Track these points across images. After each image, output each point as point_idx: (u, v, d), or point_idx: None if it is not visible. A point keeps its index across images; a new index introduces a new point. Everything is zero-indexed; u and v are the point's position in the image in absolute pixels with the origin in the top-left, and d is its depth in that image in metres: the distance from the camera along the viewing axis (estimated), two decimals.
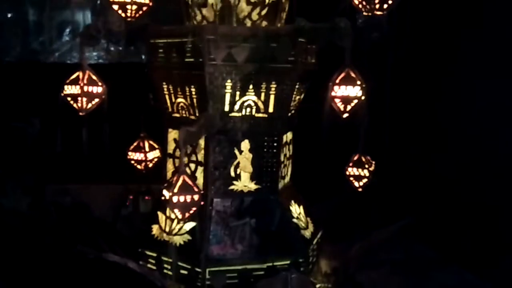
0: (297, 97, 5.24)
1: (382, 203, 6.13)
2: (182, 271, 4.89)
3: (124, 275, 4.74)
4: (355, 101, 4.56)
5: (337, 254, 5.56)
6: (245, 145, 5.01)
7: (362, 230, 5.56)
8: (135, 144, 5.63)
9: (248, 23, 5.02)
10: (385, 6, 4.43)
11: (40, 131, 6.85)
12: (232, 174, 5.03)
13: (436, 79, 6.69)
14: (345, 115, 4.60)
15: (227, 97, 4.80)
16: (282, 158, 5.20)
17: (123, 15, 4.35)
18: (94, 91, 4.80)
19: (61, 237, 5.10)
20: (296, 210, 5.33)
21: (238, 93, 4.81)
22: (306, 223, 5.37)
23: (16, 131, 6.68)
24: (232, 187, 5.05)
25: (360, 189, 5.37)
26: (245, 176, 5.06)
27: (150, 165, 5.61)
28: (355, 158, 5.32)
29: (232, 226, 4.97)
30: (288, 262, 4.97)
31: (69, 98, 4.78)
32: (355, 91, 4.55)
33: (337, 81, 4.52)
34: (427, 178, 6.62)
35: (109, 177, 5.51)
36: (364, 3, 4.45)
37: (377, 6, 4.42)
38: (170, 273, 4.91)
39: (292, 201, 5.35)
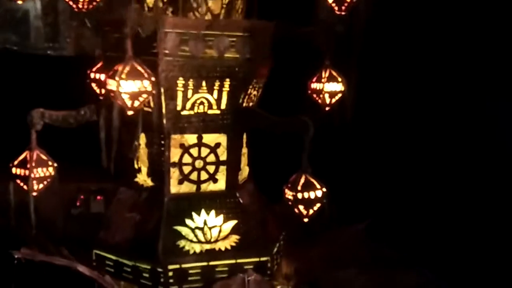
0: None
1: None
2: None
3: (73, 279, 5.25)
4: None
5: (299, 255, 5.88)
6: (143, 139, 5.24)
7: (323, 230, 5.95)
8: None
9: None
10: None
11: None
12: (136, 166, 5.35)
13: None
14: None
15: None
16: (181, 160, 5.26)
17: (74, 6, 4.86)
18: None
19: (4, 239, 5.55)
20: (207, 221, 5.19)
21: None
22: (209, 238, 5.21)
23: None
24: (136, 179, 5.41)
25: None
26: (144, 171, 5.37)
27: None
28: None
29: (123, 217, 5.36)
30: (147, 266, 5.13)
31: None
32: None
33: None
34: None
35: (58, 174, 5.39)
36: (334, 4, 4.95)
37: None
38: (129, 276, 5.34)
39: (206, 211, 5.27)
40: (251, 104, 5.53)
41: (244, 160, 5.64)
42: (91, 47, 5.31)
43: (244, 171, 5.67)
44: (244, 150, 5.63)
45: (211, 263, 5.22)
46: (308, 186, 4.96)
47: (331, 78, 5.65)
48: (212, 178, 5.38)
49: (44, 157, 5.25)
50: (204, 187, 5.37)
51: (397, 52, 6.87)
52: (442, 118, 6.99)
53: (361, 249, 6.00)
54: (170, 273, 5.11)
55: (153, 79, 4.56)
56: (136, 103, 4.56)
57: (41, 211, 5.68)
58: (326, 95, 5.67)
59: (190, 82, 5.08)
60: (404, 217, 6.74)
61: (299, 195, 4.93)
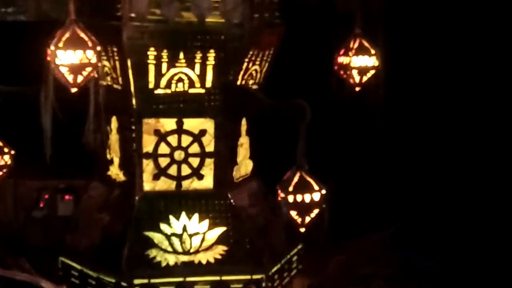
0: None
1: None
2: None
3: None
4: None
5: (313, 269, 4.95)
6: (114, 123, 4.42)
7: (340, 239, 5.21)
8: None
9: None
10: None
11: None
12: (108, 156, 4.52)
13: None
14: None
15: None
16: (156, 149, 4.32)
17: None
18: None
19: None
20: (187, 227, 4.25)
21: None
22: (188, 247, 4.26)
23: None
24: (109, 172, 4.58)
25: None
26: (116, 162, 4.53)
27: None
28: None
29: (91, 218, 4.53)
30: (112, 280, 4.27)
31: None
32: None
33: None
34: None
35: (18, 169, 4.68)
36: None
37: None
38: None
39: (188, 214, 4.31)
40: (251, 82, 4.54)
41: (243, 152, 4.66)
42: (55, 11, 4.46)
43: (244, 166, 4.68)
44: (244, 140, 4.63)
45: (189, 278, 4.28)
46: (303, 187, 3.92)
47: (361, 50, 4.62)
48: (196, 173, 4.41)
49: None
50: (187, 184, 4.41)
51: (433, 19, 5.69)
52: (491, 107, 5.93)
53: (387, 260, 5.26)
54: None
55: (98, 48, 3.69)
56: (80, 78, 3.69)
57: None
58: (354, 72, 4.65)
59: (164, 54, 4.14)
60: (438, 221, 5.94)
61: (291, 198, 3.92)
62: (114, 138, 4.49)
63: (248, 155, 4.74)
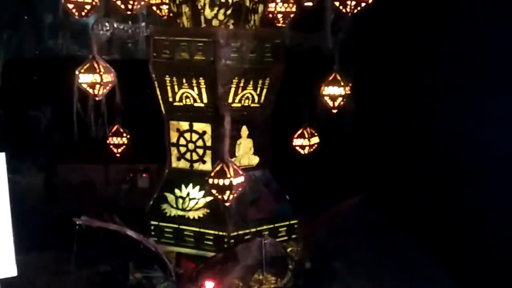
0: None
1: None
2: None
3: (124, 242, 6.38)
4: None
5: (306, 223, 6.96)
6: None
7: (327, 203, 7.17)
8: None
9: (216, 22, 6.54)
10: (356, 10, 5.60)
11: (51, 118, 9.19)
12: None
13: None
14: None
15: None
16: (178, 141, 6.71)
17: (123, 7, 5.75)
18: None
19: (69, 210, 6.52)
20: (190, 193, 6.58)
21: None
22: (186, 206, 6.58)
23: (30, 118, 9.13)
24: None
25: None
26: None
27: None
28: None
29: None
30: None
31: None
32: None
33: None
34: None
35: (112, 157, 6.99)
36: (340, 7, 5.47)
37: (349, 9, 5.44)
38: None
39: (193, 185, 6.61)
40: (248, 102, 6.51)
41: (244, 150, 6.62)
42: None
43: (246, 159, 6.64)
44: (244, 142, 6.60)
45: (181, 226, 6.55)
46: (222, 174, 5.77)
47: (333, 82, 6.30)
48: (201, 159, 6.64)
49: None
50: (196, 166, 6.68)
51: None
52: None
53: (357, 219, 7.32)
54: (152, 227, 6.66)
55: None
56: None
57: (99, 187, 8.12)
58: (327, 98, 6.35)
59: (174, 79, 6.48)
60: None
61: (211, 181, 5.77)
62: None
63: (252, 152, 6.73)
